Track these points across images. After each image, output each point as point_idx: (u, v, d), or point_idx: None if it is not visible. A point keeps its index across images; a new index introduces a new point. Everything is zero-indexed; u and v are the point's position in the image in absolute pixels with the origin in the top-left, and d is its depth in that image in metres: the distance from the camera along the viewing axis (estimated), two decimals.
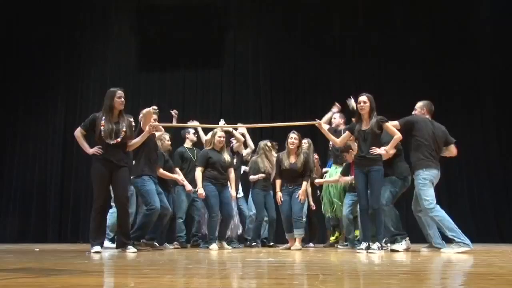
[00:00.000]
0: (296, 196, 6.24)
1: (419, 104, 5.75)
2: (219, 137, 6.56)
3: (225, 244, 6.48)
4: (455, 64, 9.84)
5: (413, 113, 5.78)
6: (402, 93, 9.47)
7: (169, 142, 6.80)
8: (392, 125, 5.42)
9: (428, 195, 5.29)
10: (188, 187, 6.77)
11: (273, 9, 10.53)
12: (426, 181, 5.32)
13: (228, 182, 6.67)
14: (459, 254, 4.78)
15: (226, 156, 6.58)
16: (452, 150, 5.71)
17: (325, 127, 6.19)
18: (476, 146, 9.58)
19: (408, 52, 9.87)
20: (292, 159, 6.30)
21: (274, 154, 7.09)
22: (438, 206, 5.30)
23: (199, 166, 6.48)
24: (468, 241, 5.17)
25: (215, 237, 6.35)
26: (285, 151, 6.38)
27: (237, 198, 7.12)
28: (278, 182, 6.42)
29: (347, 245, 6.75)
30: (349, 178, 6.39)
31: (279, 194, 6.36)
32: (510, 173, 9.34)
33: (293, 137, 6.31)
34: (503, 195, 9.27)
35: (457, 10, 10.07)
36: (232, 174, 6.68)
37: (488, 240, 8.88)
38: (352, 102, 6.31)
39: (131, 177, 5.88)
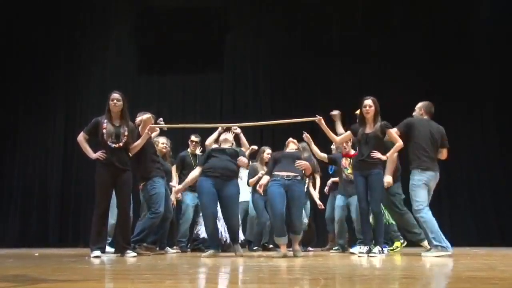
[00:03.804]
0: (296, 195, 5.15)
1: (418, 105, 5.67)
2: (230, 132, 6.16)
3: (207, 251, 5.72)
4: (455, 64, 9.85)
5: (413, 114, 5.70)
6: (402, 93, 9.43)
7: (163, 145, 6.62)
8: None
9: (419, 196, 5.22)
10: (174, 187, 6.69)
11: (273, 9, 10.51)
12: (420, 183, 5.25)
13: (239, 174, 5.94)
14: (459, 259, 4.75)
15: (230, 149, 5.80)
16: (443, 154, 5.58)
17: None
18: (476, 146, 9.59)
19: (408, 52, 9.87)
20: (294, 148, 5.61)
21: None
22: (426, 208, 5.23)
23: (198, 166, 5.90)
24: (446, 244, 5.12)
25: (211, 242, 5.64)
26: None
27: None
28: (265, 178, 5.42)
29: (338, 249, 6.71)
30: None
31: (261, 183, 5.39)
32: (511, 174, 9.33)
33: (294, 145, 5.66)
34: (502, 195, 9.26)
35: (457, 10, 10.08)
36: (244, 160, 5.74)
37: (489, 239, 8.90)
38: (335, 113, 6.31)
39: (142, 183, 5.88)
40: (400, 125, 5.48)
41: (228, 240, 6.53)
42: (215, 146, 6.03)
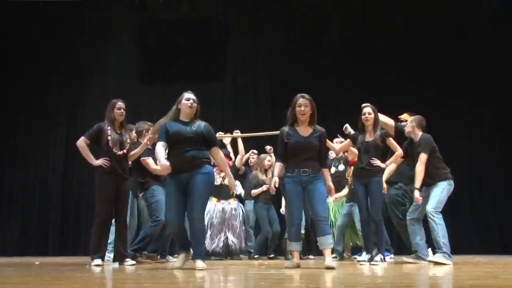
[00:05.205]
0: (317, 190, 4.52)
1: (409, 119, 5.59)
2: (187, 100, 4.58)
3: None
4: (454, 64, 9.84)
5: (406, 129, 5.55)
6: (402, 93, 9.46)
7: None
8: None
9: (443, 202, 5.31)
10: None
11: (273, 9, 10.47)
12: (450, 192, 5.38)
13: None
14: (461, 267, 4.71)
15: (195, 128, 4.46)
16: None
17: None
18: (476, 146, 9.58)
19: (408, 53, 9.85)
20: (305, 132, 4.67)
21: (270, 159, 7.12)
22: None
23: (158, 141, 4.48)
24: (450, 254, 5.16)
25: (181, 243, 4.60)
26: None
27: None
28: (277, 165, 4.69)
29: (336, 257, 6.58)
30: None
31: (275, 179, 4.58)
32: (511, 174, 9.32)
33: (303, 102, 4.74)
34: (502, 195, 9.25)
35: (457, 10, 10.07)
36: (219, 154, 4.57)
37: (488, 239, 8.90)
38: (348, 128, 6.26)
39: (141, 193, 5.86)
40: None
41: (235, 247, 6.71)
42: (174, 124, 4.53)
